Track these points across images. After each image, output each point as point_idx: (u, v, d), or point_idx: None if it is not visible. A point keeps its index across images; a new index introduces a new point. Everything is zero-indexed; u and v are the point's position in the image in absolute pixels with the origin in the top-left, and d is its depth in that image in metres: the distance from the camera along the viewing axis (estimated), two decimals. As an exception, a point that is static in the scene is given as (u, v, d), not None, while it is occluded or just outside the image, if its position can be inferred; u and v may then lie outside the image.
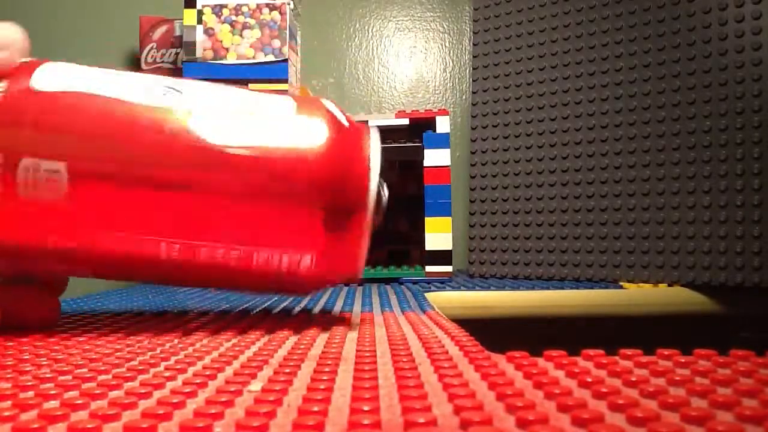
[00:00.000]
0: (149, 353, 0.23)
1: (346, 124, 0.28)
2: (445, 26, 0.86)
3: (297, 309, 0.38)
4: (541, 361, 0.21)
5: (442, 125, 0.57)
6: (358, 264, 0.28)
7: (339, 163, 0.27)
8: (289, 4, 0.61)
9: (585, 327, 0.53)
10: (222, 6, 0.60)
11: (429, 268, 0.57)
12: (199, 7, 0.60)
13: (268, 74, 0.60)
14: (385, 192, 0.29)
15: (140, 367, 0.20)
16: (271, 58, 0.60)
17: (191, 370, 0.20)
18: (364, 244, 0.28)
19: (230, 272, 0.27)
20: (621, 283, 0.54)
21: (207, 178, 0.26)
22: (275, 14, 0.60)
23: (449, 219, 0.56)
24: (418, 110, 0.61)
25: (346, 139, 0.27)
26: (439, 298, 0.50)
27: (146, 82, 0.28)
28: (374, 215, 0.27)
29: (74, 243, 0.26)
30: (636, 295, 0.51)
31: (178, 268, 0.27)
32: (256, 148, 0.26)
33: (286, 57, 0.60)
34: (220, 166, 0.26)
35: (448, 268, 0.56)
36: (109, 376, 0.19)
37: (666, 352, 0.21)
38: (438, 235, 0.56)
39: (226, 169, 0.26)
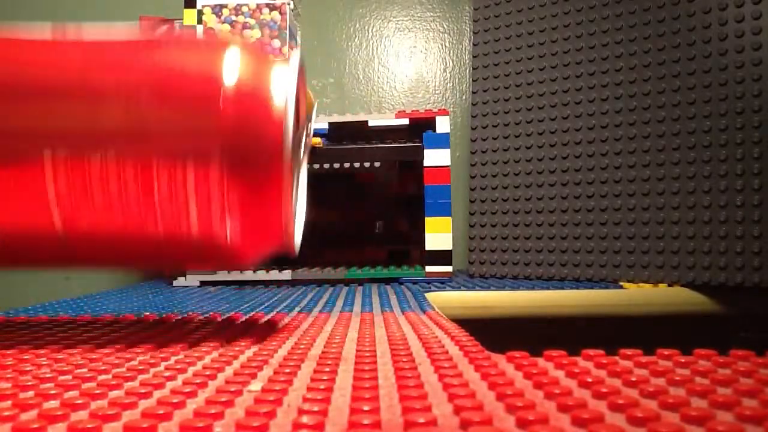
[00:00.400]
0: (149, 353, 0.23)
1: (260, 63, 0.25)
2: (445, 26, 0.86)
3: (296, 309, 0.38)
4: (541, 361, 0.21)
5: (442, 125, 0.57)
6: (285, 229, 0.25)
7: (249, 103, 0.23)
8: (289, 4, 0.61)
9: (585, 327, 0.53)
10: (222, 6, 0.60)
11: (429, 268, 0.57)
12: (199, 7, 0.60)
13: (268, 74, 0.60)
14: (311, 128, 0.25)
15: (140, 367, 0.20)
16: (271, 58, 0.60)
17: (191, 370, 0.20)
18: (288, 203, 0.24)
19: (137, 242, 0.24)
20: (621, 283, 0.54)
21: (99, 107, 0.23)
22: (275, 14, 0.60)
23: (449, 219, 0.56)
24: (418, 110, 0.61)
25: (259, 78, 0.24)
26: (439, 298, 0.50)
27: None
28: (297, 156, 0.24)
29: None
30: (636, 295, 0.51)
31: (76, 241, 0.24)
32: (162, 74, 0.23)
33: (286, 57, 0.60)
34: (119, 89, 0.23)
35: (448, 268, 0.56)
36: (109, 376, 0.19)
37: (666, 352, 0.21)
38: (438, 235, 0.56)
39: (123, 95, 0.23)
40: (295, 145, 0.24)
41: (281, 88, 0.24)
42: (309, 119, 0.26)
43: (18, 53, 0.24)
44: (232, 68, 0.23)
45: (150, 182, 0.23)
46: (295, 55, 0.25)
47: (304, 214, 0.27)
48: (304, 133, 0.25)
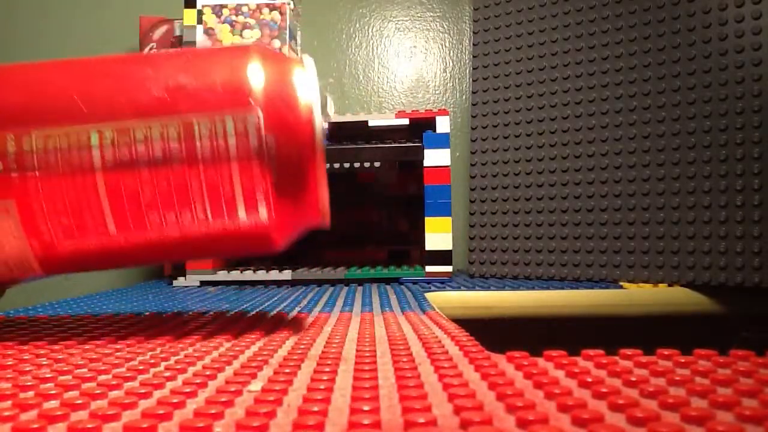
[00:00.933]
0: (149, 353, 0.23)
1: (282, 66, 0.27)
2: (445, 26, 0.86)
3: (296, 309, 0.38)
4: (541, 361, 0.21)
5: (442, 125, 0.57)
6: (323, 211, 0.27)
7: (278, 106, 0.25)
8: (289, 4, 0.61)
9: (585, 327, 0.53)
10: (222, 6, 0.60)
11: (429, 268, 0.57)
12: (199, 7, 0.60)
13: (268, 74, 0.60)
14: (330, 108, 0.28)
15: (140, 367, 0.20)
16: (271, 58, 0.60)
17: (191, 370, 0.20)
18: (324, 188, 0.26)
19: (188, 242, 0.26)
20: (621, 283, 0.54)
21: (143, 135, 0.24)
22: (275, 14, 0.60)
23: (449, 219, 0.56)
24: (418, 110, 0.61)
25: (283, 81, 0.26)
26: (439, 298, 0.50)
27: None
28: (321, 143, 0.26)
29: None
30: (636, 295, 0.51)
31: (130, 245, 0.26)
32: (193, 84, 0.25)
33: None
34: (162, 116, 0.24)
35: (448, 268, 0.56)
36: (109, 376, 0.19)
37: (666, 352, 0.21)
38: (438, 235, 0.56)
39: (166, 118, 0.25)
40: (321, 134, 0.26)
41: (304, 88, 0.26)
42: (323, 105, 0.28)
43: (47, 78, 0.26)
44: (256, 74, 0.25)
45: (197, 184, 0.25)
46: (308, 58, 0.27)
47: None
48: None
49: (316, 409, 0.15)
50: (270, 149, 0.25)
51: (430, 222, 0.56)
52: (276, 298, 0.44)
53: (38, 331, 0.29)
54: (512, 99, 0.63)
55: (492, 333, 0.37)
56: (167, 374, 0.19)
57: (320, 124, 0.26)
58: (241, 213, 0.25)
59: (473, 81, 0.67)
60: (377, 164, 0.70)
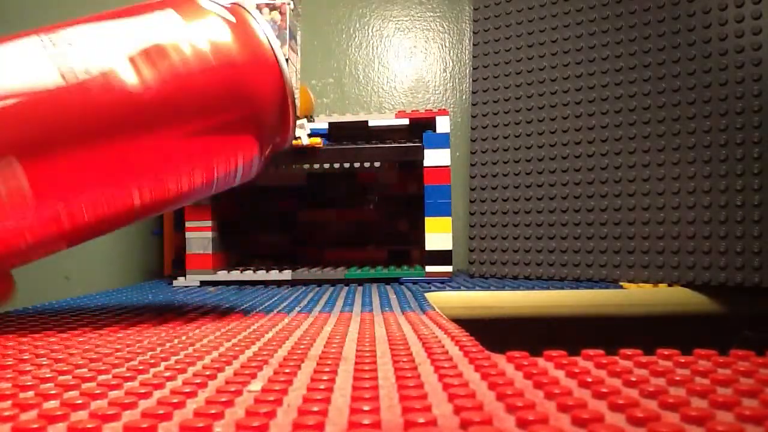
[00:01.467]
0: (149, 353, 0.23)
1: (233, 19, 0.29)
2: (445, 26, 0.86)
3: (296, 309, 0.38)
4: (541, 361, 0.21)
5: (442, 125, 0.57)
6: (292, 136, 0.31)
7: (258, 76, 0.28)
8: (289, 4, 0.61)
9: (585, 327, 0.53)
10: (222, 6, 0.60)
11: (429, 268, 0.57)
12: (199, 7, 0.60)
13: (268, 74, 0.60)
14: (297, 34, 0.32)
15: (140, 367, 0.20)
16: (271, 58, 0.60)
17: (191, 370, 0.20)
18: (294, 121, 0.30)
19: (198, 191, 0.29)
20: (621, 283, 0.54)
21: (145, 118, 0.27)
22: (275, 14, 0.60)
23: (449, 219, 0.56)
24: (418, 110, 0.61)
25: (248, 35, 0.28)
26: (439, 298, 0.50)
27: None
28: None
29: (52, 229, 0.27)
30: (636, 295, 0.51)
31: (151, 209, 0.29)
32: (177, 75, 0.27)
33: (287, 57, 0.60)
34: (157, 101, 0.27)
35: (448, 268, 0.56)
36: (109, 376, 0.19)
37: (666, 352, 0.21)
38: (438, 235, 0.56)
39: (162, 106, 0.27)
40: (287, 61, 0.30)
41: (268, 37, 0.29)
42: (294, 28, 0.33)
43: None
44: (225, 35, 0.28)
45: (204, 145, 0.28)
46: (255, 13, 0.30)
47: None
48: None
49: (316, 409, 0.15)
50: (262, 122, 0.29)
51: (430, 222, 0.56)
52: (276, 298, 0.44)
53: (38, 330, 0.29)
54: (512, 99, 0.63)
55: (492, 333, 0.37)
56: (167, 374, 0.19)
57: (281, 55, 0.29)
58: (240, 162, 0.29)
59: (473, 81, 0.67)
60: (377, 164, 0.70)
